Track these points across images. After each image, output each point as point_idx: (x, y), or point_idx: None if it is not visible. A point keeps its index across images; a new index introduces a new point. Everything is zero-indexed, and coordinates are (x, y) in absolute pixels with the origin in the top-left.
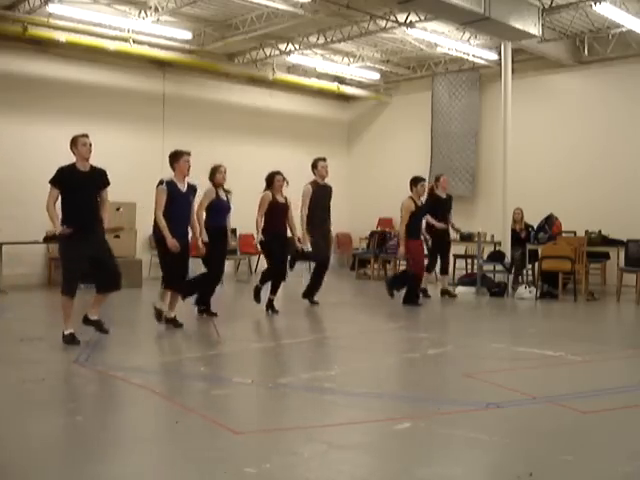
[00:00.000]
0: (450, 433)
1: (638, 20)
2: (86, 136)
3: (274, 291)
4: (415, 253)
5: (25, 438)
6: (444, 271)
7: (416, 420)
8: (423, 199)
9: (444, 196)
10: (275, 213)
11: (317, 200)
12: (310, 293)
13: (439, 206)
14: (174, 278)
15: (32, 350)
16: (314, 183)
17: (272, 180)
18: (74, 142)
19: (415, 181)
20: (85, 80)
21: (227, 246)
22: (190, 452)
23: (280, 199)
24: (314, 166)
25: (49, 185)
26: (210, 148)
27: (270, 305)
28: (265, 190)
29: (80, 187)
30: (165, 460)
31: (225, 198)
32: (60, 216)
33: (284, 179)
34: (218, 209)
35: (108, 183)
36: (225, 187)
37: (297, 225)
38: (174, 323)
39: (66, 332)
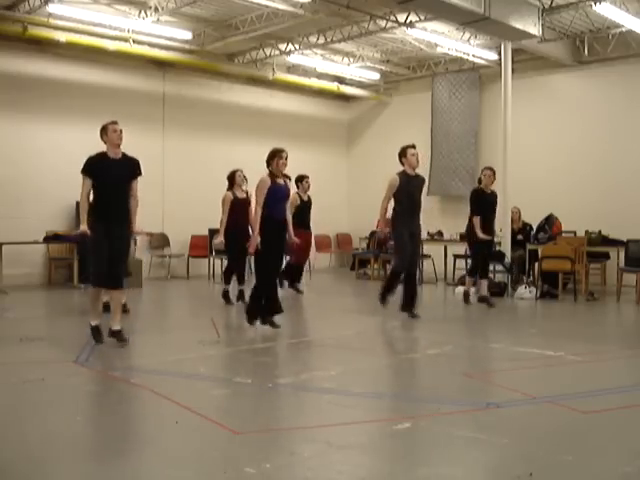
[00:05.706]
0: (450, 433)
1: (638, 20)
2: (116, 123)
3: (228, 281)
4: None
5: (25, 438)
6: (484, 275)
7: (416, 420)
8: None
9: (489, 191)
10: (237, 210)
11: (406, 193)
12: (407, 305)
13: (483, 203)
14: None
15: (32, 350)
16: (403, 174)
17: (234, 177)
18: (104, 130)
19: (300, 178)
20: (85, 80)
21: (282, 241)
22: (190, 452)
23: (241, 195)
24: (402, 154)
25: (81, 176)
26: (210, 148)
27: (225, 296)
28: (228, 189)
29: (110, 176)
30: (165, 460)
31: (283, 186)
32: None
33: (244, 176)
34: (273, 198)
35: (140, 173)
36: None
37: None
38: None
39: (92, 324)
